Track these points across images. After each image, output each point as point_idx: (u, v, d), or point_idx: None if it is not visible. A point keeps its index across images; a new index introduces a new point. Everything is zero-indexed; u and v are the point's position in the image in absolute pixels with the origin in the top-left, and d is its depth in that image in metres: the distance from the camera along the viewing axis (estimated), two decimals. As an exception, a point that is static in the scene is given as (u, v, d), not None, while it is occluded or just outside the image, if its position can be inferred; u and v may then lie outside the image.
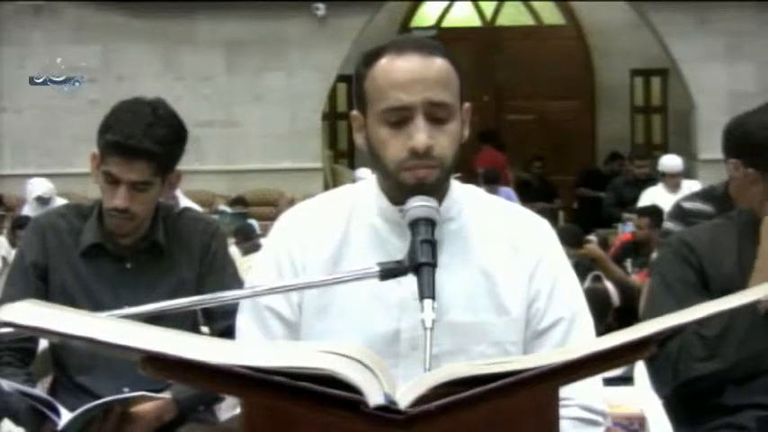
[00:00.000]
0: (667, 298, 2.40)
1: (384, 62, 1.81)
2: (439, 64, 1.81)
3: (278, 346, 1.46)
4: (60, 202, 7.81)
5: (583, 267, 6.04)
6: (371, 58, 1.83)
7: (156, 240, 2.64)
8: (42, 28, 11.93)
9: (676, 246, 2.46)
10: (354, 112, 1.88)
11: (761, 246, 2.30)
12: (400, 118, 1.78)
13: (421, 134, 1.76)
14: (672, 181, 9.11)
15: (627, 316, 5.43)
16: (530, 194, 11.83)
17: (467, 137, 1.88)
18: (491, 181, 10.13)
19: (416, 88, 1.77)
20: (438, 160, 1.78)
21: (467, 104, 1.86)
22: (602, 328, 5.01)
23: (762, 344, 2.28)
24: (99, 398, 2.40)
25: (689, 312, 1.34)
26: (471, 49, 13.51)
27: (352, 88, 1.91)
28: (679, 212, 3.92)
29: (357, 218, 1.90)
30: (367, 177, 1.97)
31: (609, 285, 6.09)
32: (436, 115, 1.78)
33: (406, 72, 1.78)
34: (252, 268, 2.00)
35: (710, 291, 2.33)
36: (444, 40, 10.91)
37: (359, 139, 1.89)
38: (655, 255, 5.18)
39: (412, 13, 14.58)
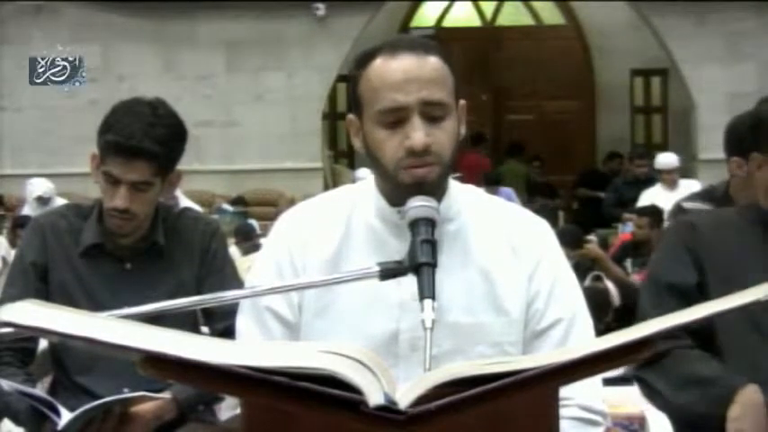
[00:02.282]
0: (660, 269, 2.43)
1: (378, 63, 1.81)
2: (433, 63, 1.80)
3: (278, 345, 1.46)
4: (60, 202, 7.81)
5: (583, 267, 6.05)
6: (365, 60, 1.83)
7: (156, 240, 2.64)
8: (42, 28, 11.93)
9: (679, 227, 2.47)
10: (350, 116, 1.88)
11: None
12: (397, 118, 1.78)
13: (418, 133, 1.76)
14: (668, 178, 9.13)
15: (627, 316, 5.43)
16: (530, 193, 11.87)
17: (464, 135, 1.88)
18: (491, 182, 10.14)
19: (411, 88, 1.77)
20: (436, 158, 1.78)
21: (462, 102, 1.86)
22: (602, 327, 5.01)
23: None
24: (99, 398, 2.40)
25: (689, 312, 1.34)
26: (471, 48, 13.52)
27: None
28: (679, 213, 3.92)
29: (356, 218, 1.90)
30: (367, 177, 1.96)
31: (609, 285, 6.09)
32: (432, 114, 1.78)
33: (400, 72, 1.78)
34: (251, 268, 2.00)
35: (705, 273, 2.34)
36: (443, 39, 10.88)
37: (356, 143, 1.88)
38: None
39: (412, 13, 14.59)
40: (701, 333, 2.28)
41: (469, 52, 13.22)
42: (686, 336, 2.29)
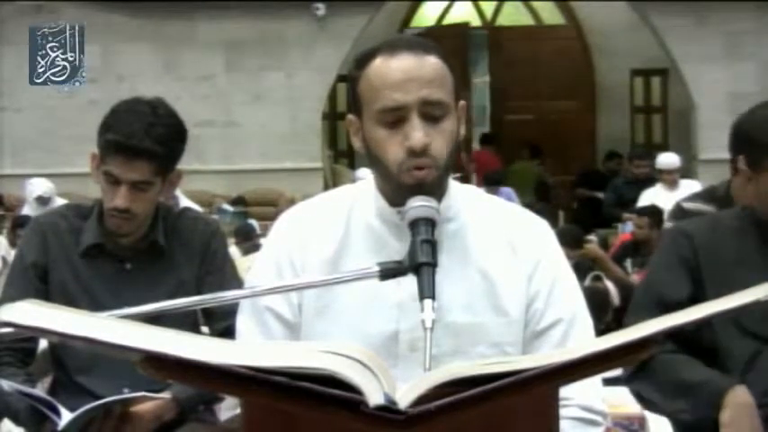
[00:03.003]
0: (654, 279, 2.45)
1: (377, 63, 1.81)
2: (432, 62, 1.81)
3: (278, 345, 1.46)
4: (60, 202, 7.80)
5: (583, 267, 6.05)
6: (364, 60, 1.83)
7: (156, 240, 2.64)
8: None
9: (675, 235, 2.47)
10: (350, 117, 1.88)
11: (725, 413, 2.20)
12: (396, 118, 1.78)
13: (417, 133, 1.76)
14: (669, 178, 9.16)
15: (627, 316, 5.42)
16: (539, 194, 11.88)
17: (464, 135, 1.88)
18: (492, 182, 10.14)
19: (411, 87, 1.77)
20: (435, 158, 1.78)
21: (462, 102, 1.86)
22: (602, 327, 5.01)
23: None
24: (99, 398, 2.40)
25: (689, 312, 1.34)
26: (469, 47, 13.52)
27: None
28: (680, 213, 3.91)
29: (356, 218, 1.90)
30: (367, 177, 1.97)
31: (609, 285, 6.09)
32: (432, 114, 1.78)
33: (399, 72, 1.78)
34: (251, 269, 2.00)
35: (702, 281, 2.33)
36: (441, 38, 10.83)
37: (356, 143, 1.88)
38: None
39: (412, 13, 14.57)
40: (684, 335, 2.28)
41: (466, 51, 13.22)
42: (667, 340, 2.28)
